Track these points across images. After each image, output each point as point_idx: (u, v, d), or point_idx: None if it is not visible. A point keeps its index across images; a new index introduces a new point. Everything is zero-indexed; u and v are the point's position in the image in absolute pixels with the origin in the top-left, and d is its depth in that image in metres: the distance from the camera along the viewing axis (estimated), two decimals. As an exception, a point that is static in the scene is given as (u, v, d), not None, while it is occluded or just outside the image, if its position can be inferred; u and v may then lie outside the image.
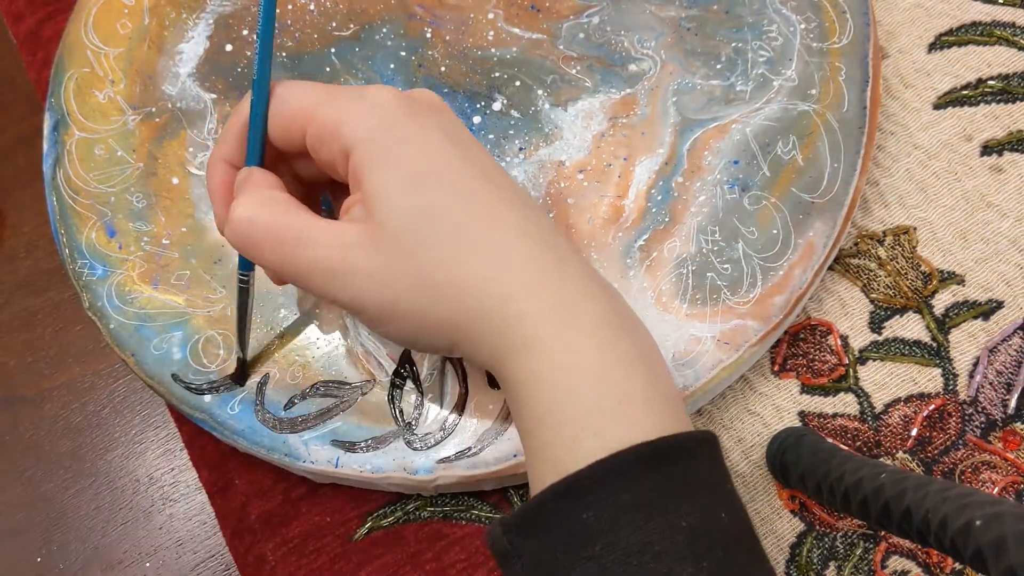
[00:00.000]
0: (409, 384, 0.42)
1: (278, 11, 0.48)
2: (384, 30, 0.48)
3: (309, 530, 0.45)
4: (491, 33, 0.48)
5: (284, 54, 0.47)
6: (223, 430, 0.41)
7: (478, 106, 0.47)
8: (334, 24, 0.48)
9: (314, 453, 0.41)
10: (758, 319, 0.41)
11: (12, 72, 0.56)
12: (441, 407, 0.41)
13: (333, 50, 0.48)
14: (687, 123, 0.45)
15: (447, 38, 0.48)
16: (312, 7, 0.48)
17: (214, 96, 0.47)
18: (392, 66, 0.47)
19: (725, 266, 0.42)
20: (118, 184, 0.45)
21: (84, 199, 0.45)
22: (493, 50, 0.48)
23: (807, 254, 0.42)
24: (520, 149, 0.46)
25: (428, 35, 0.48)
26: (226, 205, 0.34)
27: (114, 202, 0.45)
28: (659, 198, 0.44)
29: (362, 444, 0.41)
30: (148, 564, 0.46)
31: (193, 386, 0.42)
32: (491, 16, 0.48)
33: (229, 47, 0.48)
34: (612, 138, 0.45)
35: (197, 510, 0.46)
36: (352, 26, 0.48)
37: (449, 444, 0.41)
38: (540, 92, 0.47)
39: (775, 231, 0.43)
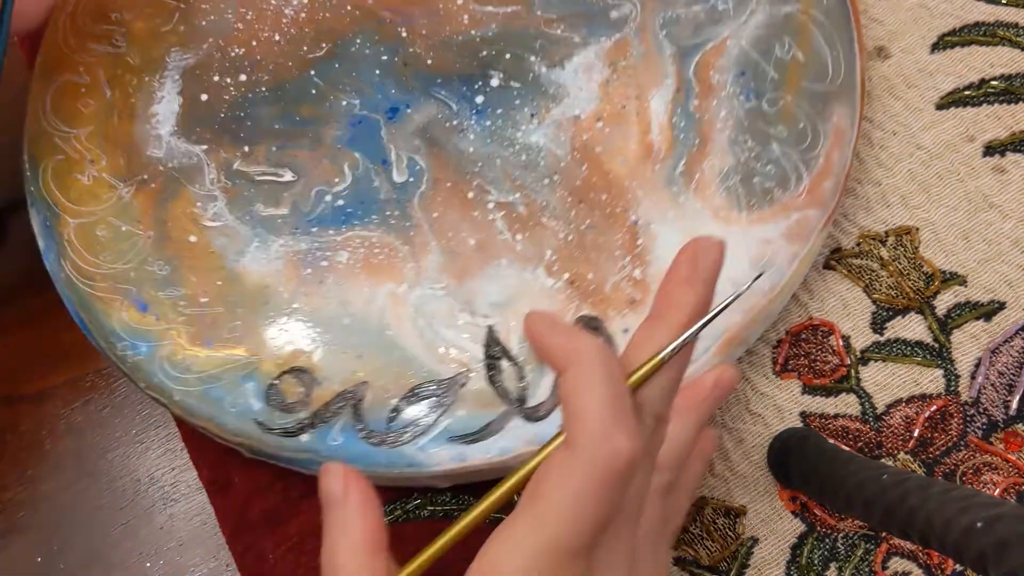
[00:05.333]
0: (505, 361, 0.42)
1: (242, 50, 0.47)
2: (358, 41, 0.48)
3: (309, 528, 0.45)
4: (465, 16, 0.48)
5: (264, 88, 0.46)
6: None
7: (476, 87, 0.46)
8: (305, 48, 0.47)
9: (435, 456, 0.40)
10: (816, 207, 0.43)
11: (11, 71, 0.56)
12: (545, 374, 0.41)
13: (312, 72, 0.47)
14: (684, 50, 0.46)
15: (424, 32, 0.48)
16: (277, 37, 0.47)
17: (204, 147, 0.46)
18: (378, 72, 0.47)
19: (768, 167, 0.43)
20: (133, 259, 0.44)
21: (101, 283, 0.43)
22: (473, 32, 0.47)
23: (839, 138, 0.43)
24: (532, 116, 0.46)
25: (404, 34, 0.48)
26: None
27: (135, 277, 0.43)
28: (682, 124, 0.45)
29: (480, 433, 0.40)
30: (148, 564, 0.46)
31: (286, 430, 0.41)
32: (460, 1, 0.48)
33: (204, 96, 0.46)
34: (617, 81, 0.46)
35: (197, 510, 0.46)
36: (324, 45, 0.47)
37: None
38: (532, 58, 0.47)
39: (802, 124, 0.44)
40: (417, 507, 0.45)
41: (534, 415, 0.40)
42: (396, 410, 0.41)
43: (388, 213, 0.44)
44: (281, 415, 0.41)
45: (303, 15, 0.48)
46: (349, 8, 0.48)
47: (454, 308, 0.43)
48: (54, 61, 0.47)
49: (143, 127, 0.46)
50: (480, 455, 0.40)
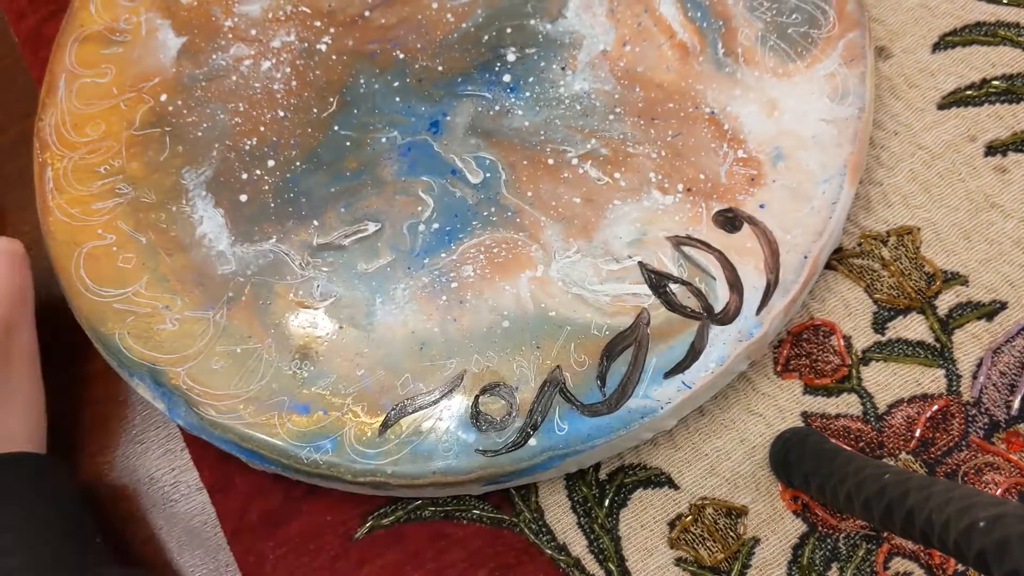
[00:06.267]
0: (672, 284, 0.42)
1: (254, 140, 0.47)
2: (362, 81, 0.48)
3: (309, 529, 0.44)
4: (448, 15, 0.49)
5: (298, 163, 0.46)
6: (571, 451, 0.40)
7: (497, 69, 0.47)
8: (315, 110, 0.47)
9: (661, 396, 0.40)
10: (852, 29, 0.45)
11: (13, 71, 0.56)
12: (716, 279, 0.42)
13: (336, 127, 0.47)
14: None
15: (419, 46, 0.48)
16: (281, 113, 0.47)
17: (273, 240, 0.45)
18: (398, 99, 0.47)
19: (794, 16, 0.46)
20: (266, 372, 0.42)
21: (247, 409, 0.41)
22: (464, 24, 0.48)
23: None
24: (563, 69, 0.47)
25: (401, 56, 0.48)
26: None
27: (278, 387, 0.42)
28: (699, 15, 0.47)
29: (690, 356, 0.41)
30: (149, 563, 0.46)
31: (514, 443, 0.40)
32: (435, 5, 0.49)
33: (244, 197, 0.46)
34: (620, 5, 0.48)
35: (198, 510, 0.46)
36: (332, 99, 0.47)
37: (751, 296, 0.42)
38: (532, 21, 0.48)
39: None
40: (418, 507, 0.45)
41: (726, 318, 0.41)
42: (601, 376, 0.41)
43: (486, 214, 0.45)
44: (499, 434, 0.40)
45: (294, 83, 0.48)
46: (334, 58, 0.48)
47: (597, 263, 0.43)
48: (65, 236, 0.45)
49: (199, 252, 0.45)
50: (702, 374, 0.40)
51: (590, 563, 0.43)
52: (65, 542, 0.40)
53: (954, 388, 0.44)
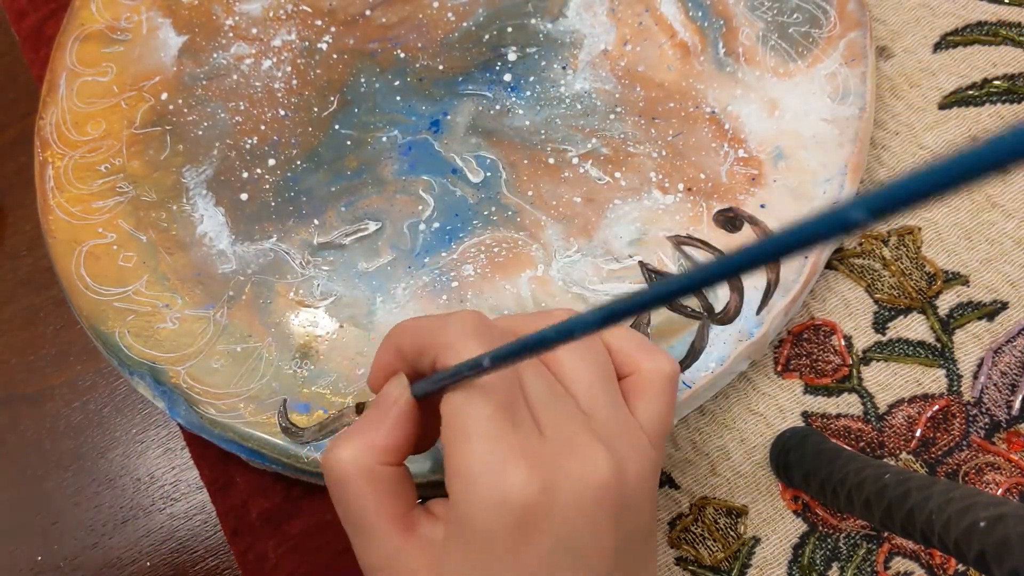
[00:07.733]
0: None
1: (255, 139, 0.46)
2: (362, 80, 0.48)
3: (310, 528, 0.44)
4: (449, 14, 0.49)
5: (299, 161, 0.46)
6: None
7: (498, 68, 0.47)
8: (316, 109, 0.47)
9: None
10: (854, 28, 0.45)
11: (14, 69, 0.56)
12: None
13: (337, 126, 0.47)
14: None
15: (419, 45, 0.48)
16: (282, 112, 0.47)
17: (274, 239, 0.45)
18: (398, 98, 0.47)
19: (795, 16, 0.46)
20: (266, 371, 0.42)
21: (248, 407, 0.41)
22: (465, 24, 0.48)
23: None
24: (564, 68, 0.47)
25: (401, 55, 0.48)
26: (378, 383, 0.32)
27: (278, 387, 0.42)
28: (700, 14, 0.47)
29: (690, 355, 0.41)
30: (148, 563, 0.46)
31: None
32: (436, 4, 0.49)
33: (244, 196, 0.46)
34: (621, 4, 0.48)
35: (198, 509, 0.46)
36: (333, 98, 0.47)
37: (752, 296, 0.42)
38: (533, 20, 0.48)
39: None
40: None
41: (726, 318, 0.41)
42: None
43: (486, 213, 0.44)
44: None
45: (295, 82, 0.48)
46: (335, 57, 0.48)
47: (597, 263, 0.43)
48: (65, 234, 0.45)
49: (200, 251, 0.45)
50: (703, 374, 0.41)
51: (590, 563, 0.43)
52: None
53: (955, 388, 0.44)
